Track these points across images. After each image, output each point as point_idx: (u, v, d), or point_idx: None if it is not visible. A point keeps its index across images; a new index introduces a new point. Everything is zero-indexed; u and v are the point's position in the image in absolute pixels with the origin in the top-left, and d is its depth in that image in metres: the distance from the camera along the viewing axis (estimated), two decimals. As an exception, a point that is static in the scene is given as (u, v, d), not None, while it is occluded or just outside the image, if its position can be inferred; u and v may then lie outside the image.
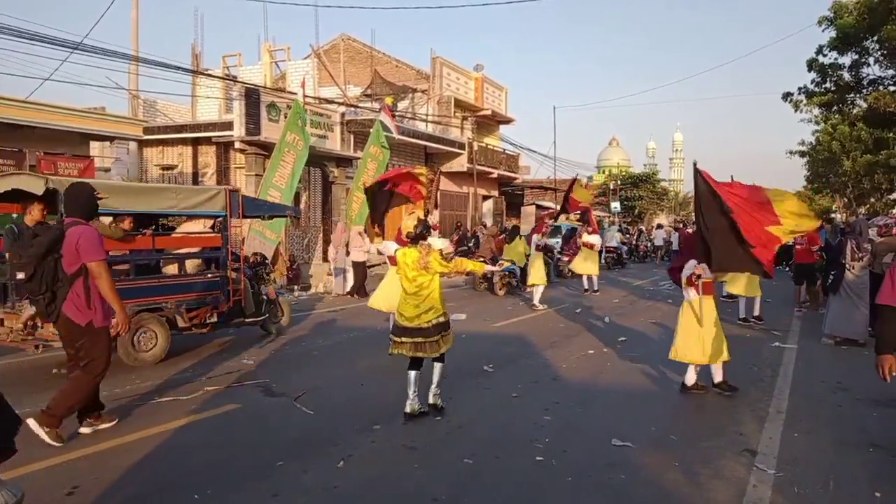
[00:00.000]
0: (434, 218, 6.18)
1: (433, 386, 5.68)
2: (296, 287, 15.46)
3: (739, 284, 10.39)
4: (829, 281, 9.41)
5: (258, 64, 21.92)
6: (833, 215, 31.62)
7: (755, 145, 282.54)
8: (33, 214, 6.90)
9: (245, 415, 5.70)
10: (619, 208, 45.10)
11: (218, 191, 8.38)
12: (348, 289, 14.53)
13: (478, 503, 3.93)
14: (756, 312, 10.61)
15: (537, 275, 12.81)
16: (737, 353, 8.20)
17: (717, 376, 6.39)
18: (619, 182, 52.47)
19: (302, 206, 19.32)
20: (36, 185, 6.77)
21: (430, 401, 5.64)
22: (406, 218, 5.51)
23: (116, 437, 4.97)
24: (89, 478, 4.20)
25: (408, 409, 5.42)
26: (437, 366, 5.64)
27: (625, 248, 26.56)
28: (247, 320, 8.82)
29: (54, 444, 4.73)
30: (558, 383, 6.87)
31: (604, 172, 79.16)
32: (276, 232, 13.81)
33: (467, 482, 4.24)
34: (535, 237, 13.63)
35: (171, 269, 8.27)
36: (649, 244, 29.67)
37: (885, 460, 4.67)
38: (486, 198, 31.55)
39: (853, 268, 8.76)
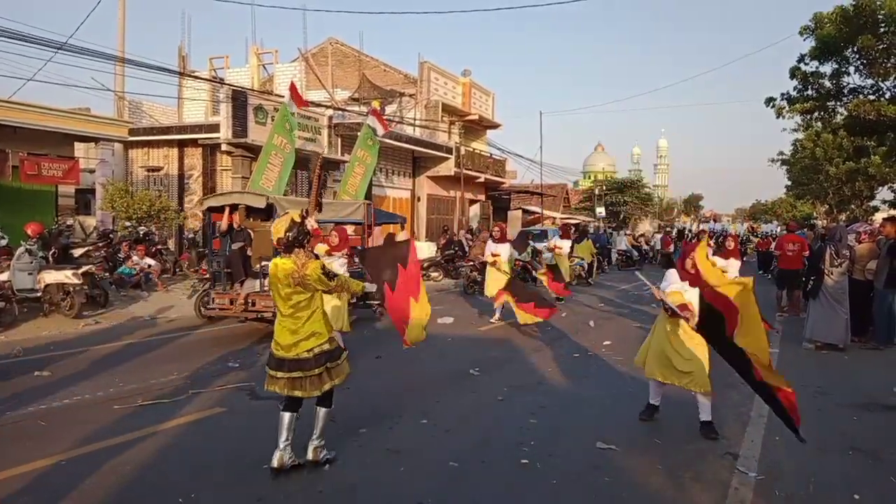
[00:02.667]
0: (313, 222, 4.88)
1: (314, 437, 4.48)
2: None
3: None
4: (809, 286, 9.54)
5: (245, 66, 21.85)
6: (814, 221, 32.08)
7: (738, 151, 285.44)
8: (237, 219, 10.00)
9: (230, 418, 5.67)
10: (604, 213, 45.41)
11: (360, 204, 11.42)
12: None
13: (463, 506, 3.95)
14: None
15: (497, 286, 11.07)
16: (719, 359, 8.30)
17: (704, 414, 5.28)
18: (604, 187, 52.83)
19: (288, 209, 19.27)
20: (259, 201, 9.71)
21: (309, 456, 4.42)
22: (279, 221, 4.45)
23: (100, 440, 4.93)
24: (71, 482, 4.17)
25: (275, 463, 4.26)
26: (321, 412, 4.49)
27: (635, 251, 27.17)
28: (370, 301, 10.91)
29: None
30: (544, 387, 6.91)
31: (589, 178, 79.72)
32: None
33: (453, 485, 4.26)
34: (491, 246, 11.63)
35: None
36: (648, 248, 29.84)
37: (864, 463, 4.74)
38: (472, 202, 31.63)
39: (832, 273, 8.88)
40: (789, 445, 5.08)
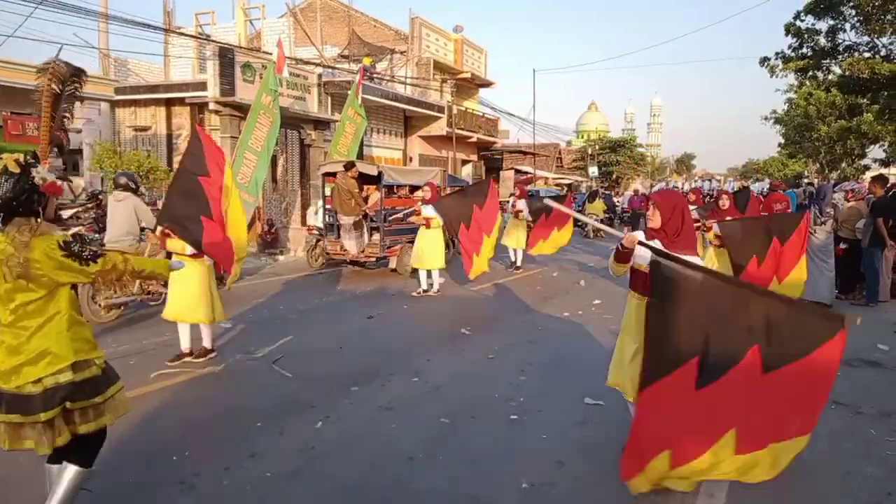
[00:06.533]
0: (44, 172, 2.74)
1: None
2: (275, 251, 15.40)
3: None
4: None
5: (232, 22, 21.33)
6: (805, 180, 32.14)
7: (731, 110, 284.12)
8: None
9: (223, 377, 5.72)
10: (596, 173, 45.26)
11: (436, 171, 13.39)
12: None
13: (453, 460, 4.03)
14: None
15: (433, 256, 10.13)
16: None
17: None
18: (597, 147, 52.55)
19: (279, 169, 19.10)
20: (370, 169, 12.02)
21: None
22: None
23: (94, 399, 4.97)
24: (67, 439, 4.21)
25: None
26: (68, 471, 2.90)
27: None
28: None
29: None
30: (534, 345, 6.99)
31: (582, 137, 79.18)
32: (254, 195, 13.67)
33: (443, 440, 4.34)
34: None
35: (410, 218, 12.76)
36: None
37: (846, 416, 4.85)
38: (465, 162, 31.42)
39: (815, 232, 8.94)
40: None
